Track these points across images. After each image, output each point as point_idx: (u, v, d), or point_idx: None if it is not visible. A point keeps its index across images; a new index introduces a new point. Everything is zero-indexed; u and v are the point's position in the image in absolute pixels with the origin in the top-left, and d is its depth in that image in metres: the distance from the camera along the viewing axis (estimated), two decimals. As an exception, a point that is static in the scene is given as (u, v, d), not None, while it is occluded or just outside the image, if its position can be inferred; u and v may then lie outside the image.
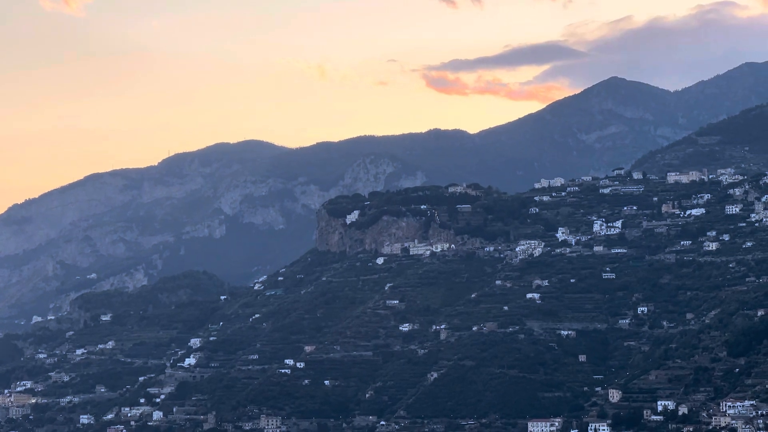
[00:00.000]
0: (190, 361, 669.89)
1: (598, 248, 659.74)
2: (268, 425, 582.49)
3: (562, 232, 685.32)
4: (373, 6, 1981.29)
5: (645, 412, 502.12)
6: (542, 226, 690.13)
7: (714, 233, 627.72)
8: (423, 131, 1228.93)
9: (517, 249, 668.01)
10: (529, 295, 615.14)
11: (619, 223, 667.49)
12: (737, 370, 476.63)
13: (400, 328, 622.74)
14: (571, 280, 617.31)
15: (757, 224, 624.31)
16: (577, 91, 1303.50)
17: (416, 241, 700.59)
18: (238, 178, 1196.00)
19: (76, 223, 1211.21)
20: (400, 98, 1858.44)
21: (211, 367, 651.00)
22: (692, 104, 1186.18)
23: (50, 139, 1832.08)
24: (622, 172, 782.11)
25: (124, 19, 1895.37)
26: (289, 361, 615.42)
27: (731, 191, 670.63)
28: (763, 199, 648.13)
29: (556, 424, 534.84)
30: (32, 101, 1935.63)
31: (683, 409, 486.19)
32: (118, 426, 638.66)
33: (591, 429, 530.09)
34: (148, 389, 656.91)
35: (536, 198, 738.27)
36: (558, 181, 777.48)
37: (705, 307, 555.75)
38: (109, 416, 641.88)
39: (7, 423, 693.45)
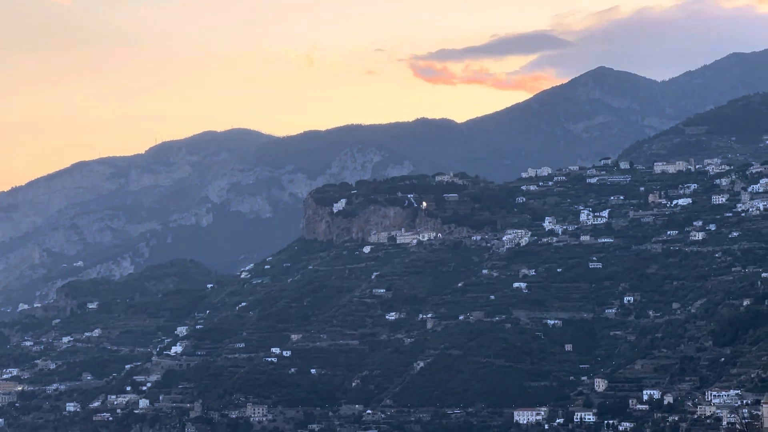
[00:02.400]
0: (177, 349, 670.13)
1: (584, 237, 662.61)
2: (254, 414, 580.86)
3: (549, 222, 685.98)
4: None
5: (631, 401, 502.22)
6: (529, 216, 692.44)
7: (700, 223, 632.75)
8: (410, 120, 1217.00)
9: (503, 238, 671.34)
10: (515, 285, 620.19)
11: (605, 213, 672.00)
12: (723, 359, 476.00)
13: (387, 317, 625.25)
14: (558, 270, 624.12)
15: (743, 214, 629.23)
16: (564, 80, 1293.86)
17: (403, 230, 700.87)
18: (226, 167, 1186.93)
19: (62, 210, 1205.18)
20: (387, 87, 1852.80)
21: (198, 356, 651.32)
22: (679, 94, 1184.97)
23: (37, 126, 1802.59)
24: (609, 161, 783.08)
25: (112, 7, 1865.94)
26: (276, 350, 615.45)
27: (718, 181, 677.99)
28: (750, 189, 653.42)
29: (542, 413, 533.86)
30: (18, 88, 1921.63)
31: (668, 399, 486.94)
32: (104, 414, 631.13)
33: (576, 418, 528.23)
34: (134, 377, 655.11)
35: (523, 187, 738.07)
36: (545, 171, 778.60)
37: (691, 296, 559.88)
38: (96, 404, 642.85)
39: None
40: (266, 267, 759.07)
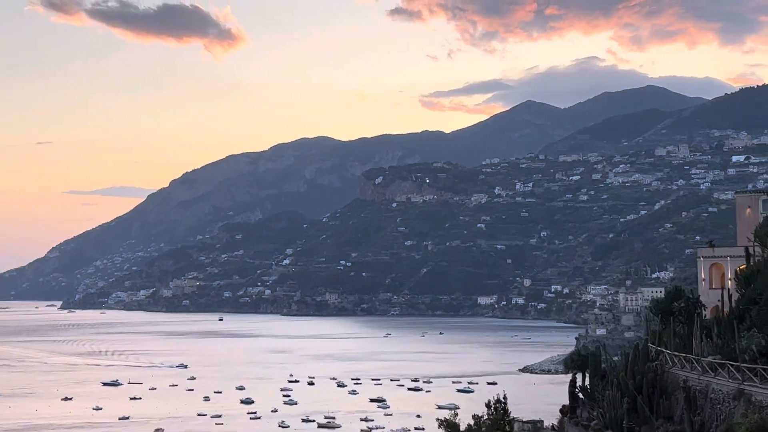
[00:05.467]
0: (286, 261, 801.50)
1: (518, 198, 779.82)
2: (330, 298, 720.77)
3: (498, 189, 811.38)
4: (390, 59, 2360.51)
5: (544, 291, 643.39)
6: (486, 186, 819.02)
7: (585, 190, 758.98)
8: (419, 131, 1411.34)
9: (471, 198, 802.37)
10: (478, 225, 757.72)
11: (530, 184, 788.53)
12: (597, 268, 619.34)
13: (405, 243, 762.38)
14: (503, 217, 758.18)
15: (610, 185, 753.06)
16: (508, 108, 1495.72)
17: (414, 194, 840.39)
18: (314, 158, 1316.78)
19: (221, 182, 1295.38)
20: (405, 112, 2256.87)
21: (298, 265, 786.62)
22: (574, 116, 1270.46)
23: (203, 132, 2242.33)
24: (533, 155, 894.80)
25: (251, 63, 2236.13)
26: (342, 261, 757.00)
27: (596, 166, 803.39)
28: (614, 170, 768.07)
29: (494, 298, 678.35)
30: (188, 106, 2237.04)
31: (566, 290, 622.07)
32: (245, 298, 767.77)
33: (513, 301, 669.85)
34: (262, 277, 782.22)
35: (483, 169, 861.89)
36: (495, 160, 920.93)
37: (579, 232, 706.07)
38: (240, 292, 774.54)
39: (182, 296, 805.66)
40: (337, 215, 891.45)
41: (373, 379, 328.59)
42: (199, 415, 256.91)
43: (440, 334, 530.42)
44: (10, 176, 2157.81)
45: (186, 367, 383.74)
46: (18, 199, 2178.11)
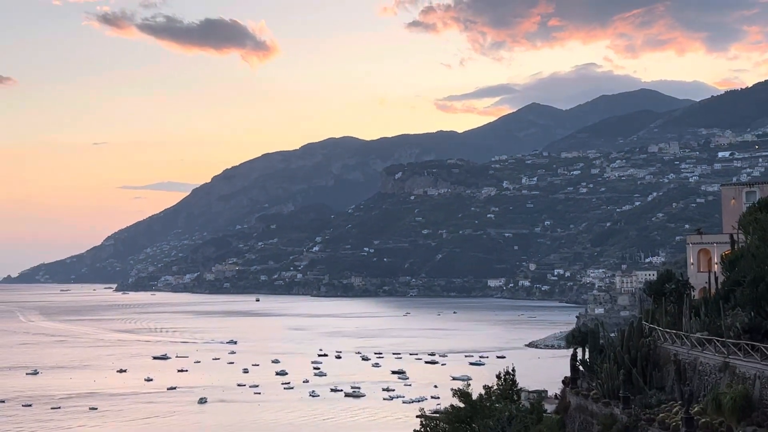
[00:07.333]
0: (316, 248, 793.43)
1: (524, 191, 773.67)
2: (355, 281, 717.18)
3: (506, 183, 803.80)
4: (410, 67, 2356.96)
5: (548, 274, 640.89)
6: (495, 180, 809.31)
7: (584, 183, 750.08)
8: (434, 131, 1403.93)
9: (482, 191, 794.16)
10: (488, 215, 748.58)
11: (535, 179, 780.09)
12: (596, 254, 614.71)
13: (422, 232, 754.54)
14: (510, 208, 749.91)
15: (607, 178, 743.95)
16: (515, 110, 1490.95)
17: (430, 187, 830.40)
18: (341, 155, 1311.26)
19: (257, 178, 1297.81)
20: (422, 115, 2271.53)
21: (326, 251, 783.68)
22: (574, 117, 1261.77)
23: (237, 132, 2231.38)
24: (537, 152, 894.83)
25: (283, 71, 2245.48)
26: (366, 248, 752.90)
27: (594, 162, 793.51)
28: (611, 165, 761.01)
29: (502, 281, 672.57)
30: (222, 112, 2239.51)
31: (568, 273, 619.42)
32: (279, 281, 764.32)
33: (520, 284, 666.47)
34: (294, 262, 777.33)
35: (492, 165, 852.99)
36: (503, 156, 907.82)
37: (579, 221, 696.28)
38: (274, 276, 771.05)
39: (223, 279, 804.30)
40: (361, 206, 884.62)
41: (393, 354, 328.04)
42: (238, 385, 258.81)
43: (454, 313, 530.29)
44: (70, 174, 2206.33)
45: (236, 343, 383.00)
46: (77, 193, 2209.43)
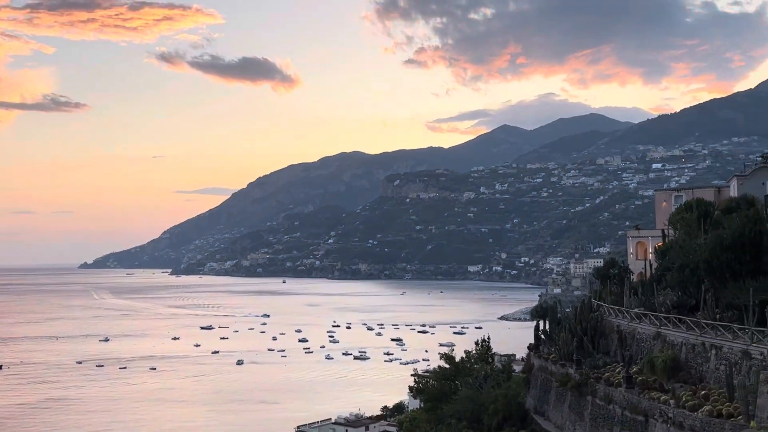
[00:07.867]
0: (330, 240, 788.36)
1: (498, 195, 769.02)
2: (362, 267, 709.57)
3: (482, 189, 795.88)
4: (406, 95, 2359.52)
5: (516, 261, 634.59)
6: (474, 186, 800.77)
7: (546, 188, 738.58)
8: (425, 147, 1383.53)
9: (463, 195, 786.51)
10: (468, 214, 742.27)
11: (506, 185, 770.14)
12: (554, 245, 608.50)
13: (416, 227, 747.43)
14: (486, 208, 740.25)
15: (563, 185, 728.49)
16: (489, 130, 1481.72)
17: (422, 192, 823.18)
18: (350, 167, 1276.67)
19: (284, 185, 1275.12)
20: (415, 135, 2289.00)
21: (339, 243, 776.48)
22: (538, 135, 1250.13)
23: (268, 147, 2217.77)
24: (508, 164, 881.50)
25: (305, 99, 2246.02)
26: (371, 240, 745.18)
27: (554, 171, 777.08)
28: (565, 175, 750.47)
29: (480, 267, 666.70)
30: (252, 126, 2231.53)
31: (532, 261, 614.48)
32: (301, 268, 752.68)
33: (494, 269, 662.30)
34: (313, 252, 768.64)
35: (472, 174, 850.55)
36: (481, 167, 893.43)
37: (541, 218, 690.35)
38: (298, 263, 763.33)
39: (257, 266, 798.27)
40: (366, 207, 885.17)
41: (392, 325, 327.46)
42: (269, 350, 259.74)
43: (441, 292, 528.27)
44: (134, 180, 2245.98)
45: (268, 316, 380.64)
46: (139, 196, 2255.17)
